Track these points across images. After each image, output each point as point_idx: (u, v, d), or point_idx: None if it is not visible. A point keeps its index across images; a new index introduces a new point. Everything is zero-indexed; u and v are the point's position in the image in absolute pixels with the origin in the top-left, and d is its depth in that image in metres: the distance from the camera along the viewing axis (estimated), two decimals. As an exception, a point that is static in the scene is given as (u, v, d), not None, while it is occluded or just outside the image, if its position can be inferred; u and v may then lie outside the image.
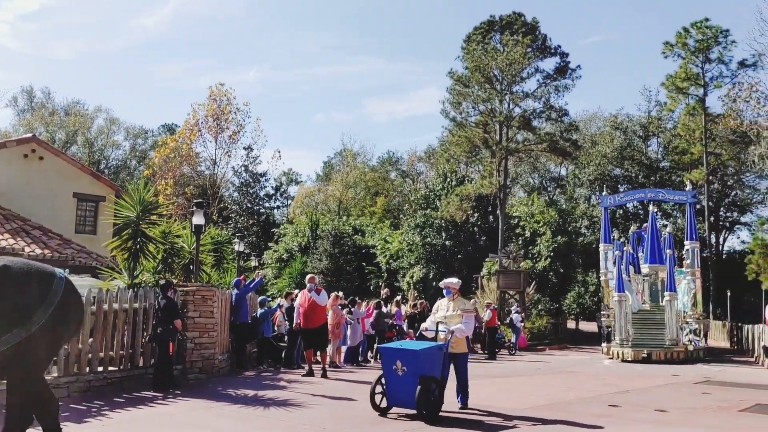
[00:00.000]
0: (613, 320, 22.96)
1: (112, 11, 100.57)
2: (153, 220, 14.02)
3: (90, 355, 10.48)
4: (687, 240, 25.38)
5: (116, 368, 10.93)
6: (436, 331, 9.46)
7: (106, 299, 10.86)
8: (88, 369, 10.41)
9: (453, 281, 9.77)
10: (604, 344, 23.92)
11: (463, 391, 9.55)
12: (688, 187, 27.01)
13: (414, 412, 8.50)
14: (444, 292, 9.78)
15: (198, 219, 13.96)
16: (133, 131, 72.39)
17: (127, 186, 15.74)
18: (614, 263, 24.24)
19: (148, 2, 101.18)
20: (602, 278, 26.80)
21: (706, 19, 47.11)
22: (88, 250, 22.35)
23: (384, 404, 8.92)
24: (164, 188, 37.50)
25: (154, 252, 13.84)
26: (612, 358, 22.12)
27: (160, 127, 74.33)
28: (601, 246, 27.07)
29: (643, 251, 26.87)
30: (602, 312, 25.40)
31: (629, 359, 21.25)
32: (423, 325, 10.20)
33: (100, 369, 10.62)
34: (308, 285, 13.53)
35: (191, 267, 14.61)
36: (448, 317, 9.41)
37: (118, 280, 13.85)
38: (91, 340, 10.56)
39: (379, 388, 8.94)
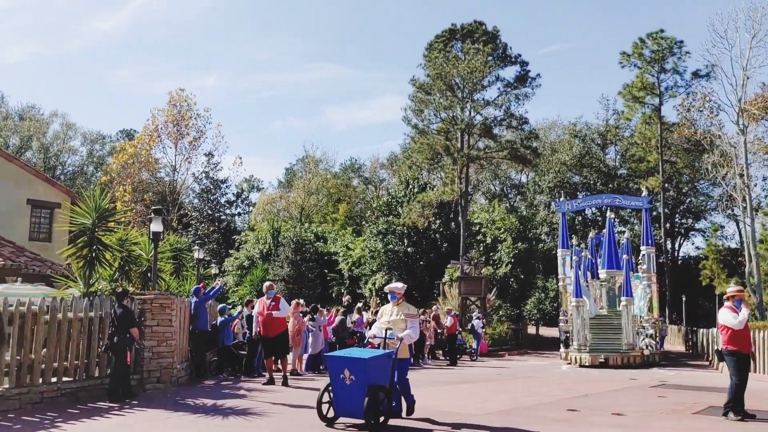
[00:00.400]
0: (571, 325, 23.07)
1: (67, 14, 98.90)
2: (110, 227, 13.78)
3: (43, 366, 10.23)
4: (643, 245, 25.62)
5: (71, 379, 10.68)
6: (384, 338, 9.17)
7: (60, 308, 10.62)
8: (41, 380, 10.16)
9: (398, 286, 9.55)
10: (562, 349, 23.99)
11: (405, 396, 9.28)
12: (644, 193, 27.36)
13: (362, 421, 8.26)
14: (389, 296, 9.60)
15: (156, 226, 13.76)
16: (90, 137, 71.17)
17: (83, 193, 15.45)
18: (571, 268, 24.45)
19: (103, 5, 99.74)
20: (560, 284, 26.86)
21: (662, 30, 48.36)
22: (42, 258, 21.80)
23: (331, 414, 8.68)
24: (122, 195, 36.98)
25: (110, 260, 13.61)
26: (570, 363, 22.16)
27: (119, 132, 73.22)
28: (559, 251, 27.25)
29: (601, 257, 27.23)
30: (560, 317, 25.63)
31: (587, 364, 21.30)
32: (370, 332, 9.87)
33: (54, 380, 10.38)
34: (266, 293, 13.30)
35: (149, 275, 14.39)
36: (392, 322, 9.22)
37: (74, 288, 13.57)
38: (44, 350, 10.31)
39: (326, 398, 8.73)
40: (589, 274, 26.21)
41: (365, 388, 8.11)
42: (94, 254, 12.97)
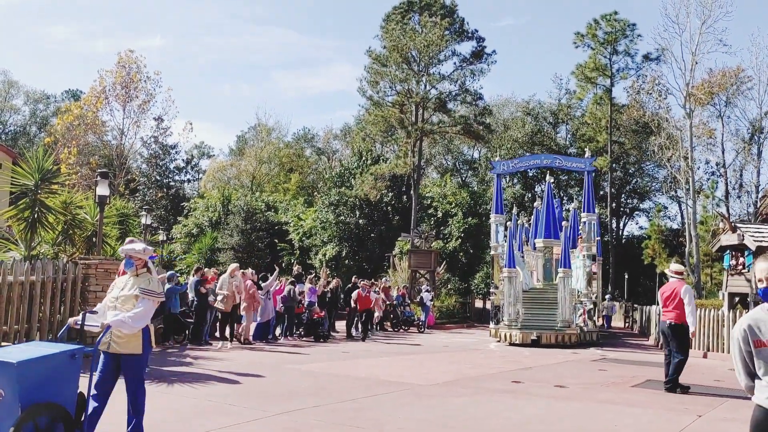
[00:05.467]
0: (502, 299, 20.81)
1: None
2: (53, 189, 13.37)
3: (-19, 330, 9.93)
4: (584, 212, 23.13)
5: (10, 344, 10.40)
6: (82, 324, 5.94)
7: (0, 271, 10.30)
8: (-22, 344, 9.85)
9: (136, 248, 6.16)
10: (492, 325, 21.67)
11: (136, 413, 5.96)
12: (587, 155, 24.79)
13: None
14: (124, 264, 6.29)
15: (102, 189, 13.41)
16: (34, 96, 68.81)
17: (26, 153, 14.97)
18: (505, 236, 22.05)
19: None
20: (492, 253, 23.72)
21: (615, 12, 49.16)
22: (-19, 220, 21.09)
23: None
24: (67, 157, 35.89)
25: (53, 223, 13.23)
26: (499, 341, 20.02)
27: (64, 92, 70.92)
28: (492, 217, 23.79)
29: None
30: (491, 290, 23.63)
31: (517, 342, 19.23)
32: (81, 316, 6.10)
33: (-8, 344, 10.08)
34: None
35: (94, 239, 14.06)
36: (121, 299, 5.98)
37: (14, 251, 13.16)
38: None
39: None
40: (526, 246, 25.09)
41: (18, 409, 5.03)
42: (36, 216, 12.59)
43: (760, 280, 3.44)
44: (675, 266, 10.99)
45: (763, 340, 3.39)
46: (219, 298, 15.30)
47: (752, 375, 3.49)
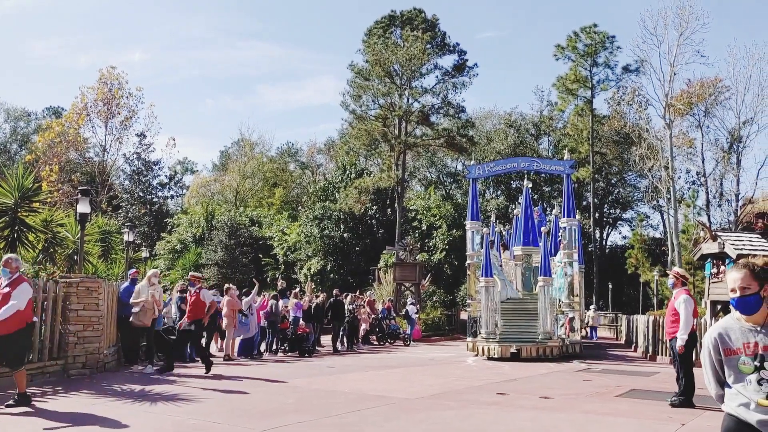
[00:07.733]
0: (479, 310, 19.63)
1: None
2: (34, 207, 13.28)
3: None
4: (564, 217, 22.10)
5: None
6: None
7: (-22, 291, 10.16)
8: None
9: None
10: (469, 338, 20.60)
11: None
12: (567, 157, 23.94)
13: None
14: None
15: (83, 207, 13.32)
16: (14, 113, 68.31)
17: (6, 171, 14.90)
18: (482, 245, 20.80)
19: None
20: (468, 261, 22.54)
21: (595, 25, 49.84)
22: (-40, 239, 20.84)
23: None
24: (48, 174, 35.64)
25: (33, 241, 13.13)
26: (477, 355, 18.91)
27: (45, 109, 70.54)
28: (468, 224, 22.66)
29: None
30: (468, 301, 22.67)
31: (496, 356, 17.96)
32: None
33: (-29, 365, 9.92)
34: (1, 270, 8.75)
35: (75, 257, 13.96)
36: None
37: (-7, 271, 13.02)
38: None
39: None
40: (505, 255, 24.45)
41: None
42: (15, 235, 12.49)
43: (732, 290, 3.48)
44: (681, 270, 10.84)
45: (733, 349, 3.43)
46: (134, 309, 13.35)
47: (722, 383, 3.53)
